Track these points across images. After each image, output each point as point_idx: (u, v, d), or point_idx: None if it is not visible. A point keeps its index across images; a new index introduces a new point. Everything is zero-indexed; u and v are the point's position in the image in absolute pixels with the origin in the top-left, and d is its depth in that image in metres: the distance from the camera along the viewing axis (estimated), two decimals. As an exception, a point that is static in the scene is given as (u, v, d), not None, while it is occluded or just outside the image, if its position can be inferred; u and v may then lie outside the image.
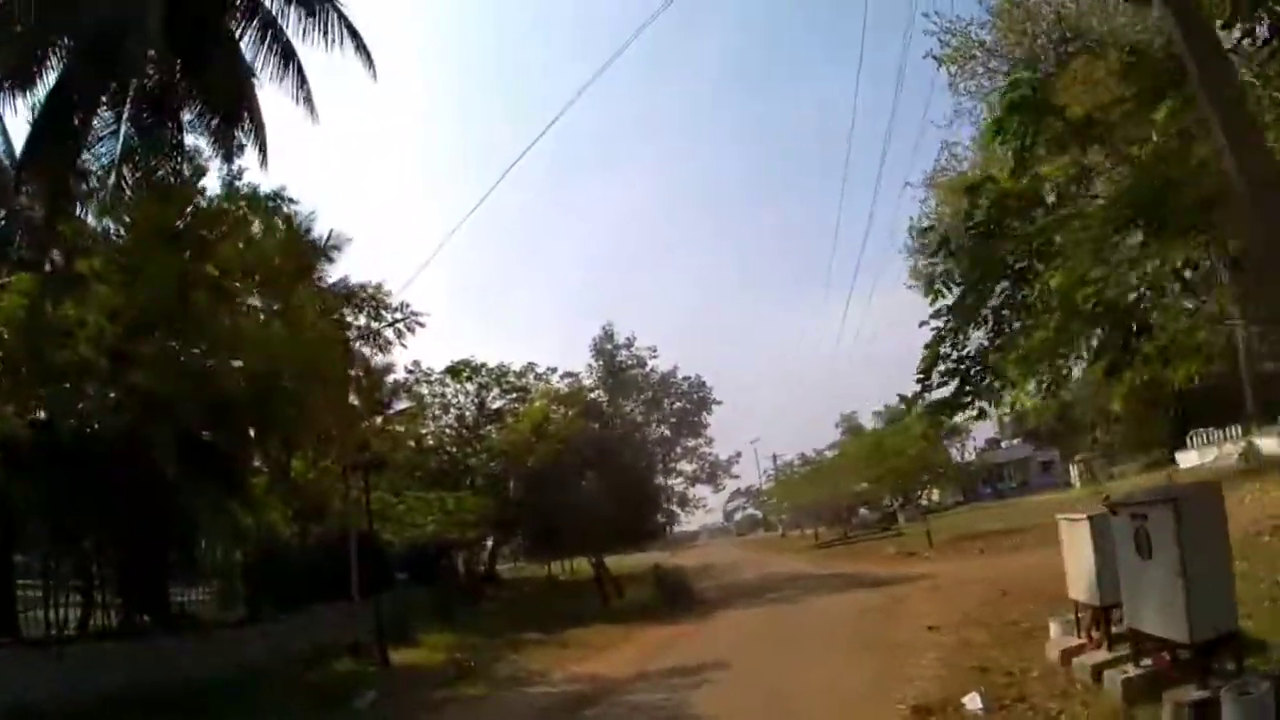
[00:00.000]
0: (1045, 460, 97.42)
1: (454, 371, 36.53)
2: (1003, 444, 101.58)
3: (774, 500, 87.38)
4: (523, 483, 30.51)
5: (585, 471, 29.50)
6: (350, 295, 24.65)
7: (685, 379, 32.03)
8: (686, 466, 32.18)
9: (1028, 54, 30.11)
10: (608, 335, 31.59)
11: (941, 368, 11.53)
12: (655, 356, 31.80)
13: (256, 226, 19.02)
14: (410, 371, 34.84)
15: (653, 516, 31.93)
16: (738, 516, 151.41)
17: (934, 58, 29.57)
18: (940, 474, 52.84)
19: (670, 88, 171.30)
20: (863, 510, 76.57)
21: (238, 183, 19.38)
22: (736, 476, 35.34)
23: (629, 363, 31.22)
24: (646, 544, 33.69)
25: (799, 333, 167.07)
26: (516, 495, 30.69)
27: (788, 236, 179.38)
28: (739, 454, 33.49)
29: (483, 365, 36.59)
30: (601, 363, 31.53)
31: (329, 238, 23.19)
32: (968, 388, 11.60)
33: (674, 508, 32.34)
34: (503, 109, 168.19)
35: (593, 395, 31.34)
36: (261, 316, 19.01)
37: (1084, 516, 11.19)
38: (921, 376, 11.53)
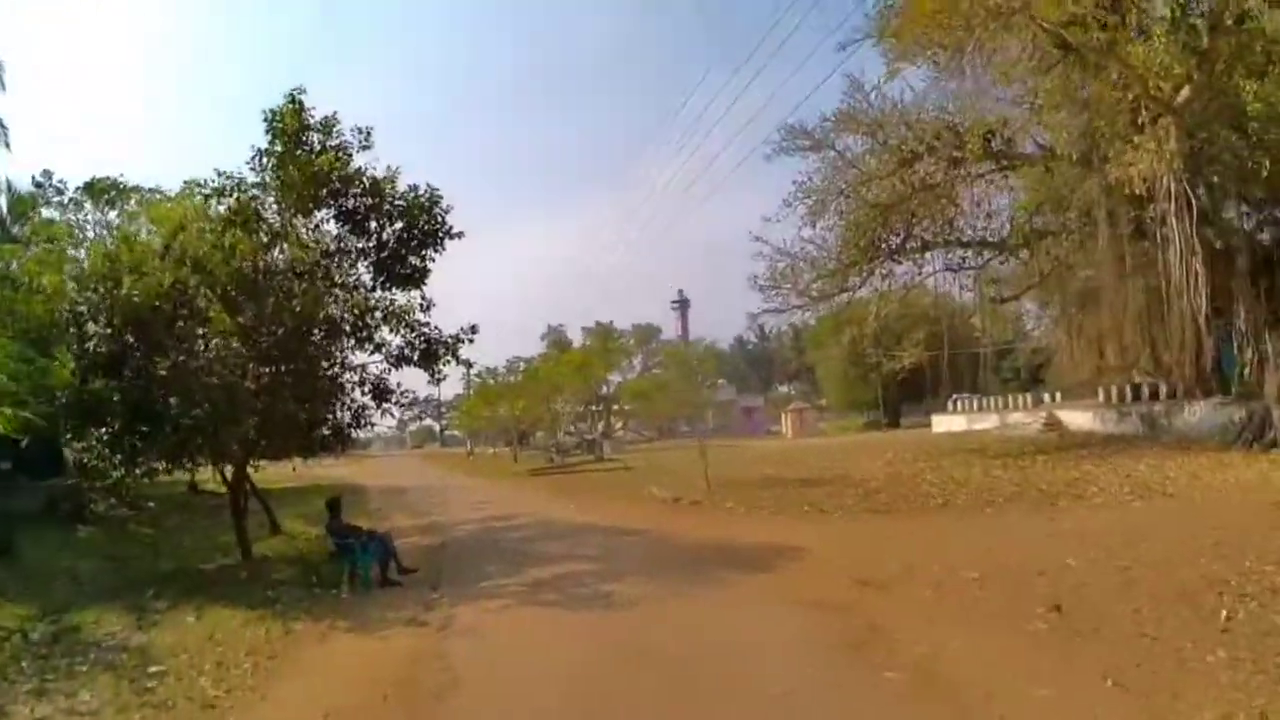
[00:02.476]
0: (749, 406, 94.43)
1: (94, 190, 26.82)
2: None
3: (466, 411, 76.46)
4: (118, 328, 16.77)
5: (229, 321, 16.71)
6: None
7: (411, 189, 18.71)
8: (391, 336, 19.04)
9: None
10: (295, 107, 17.80)
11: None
12: (368, 146, 18.51)
13: None
14: (39, 184, 27.11)
15: (334, 411, 19.12)
16: (413, 427, 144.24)
17: None
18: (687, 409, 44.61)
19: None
20: (564, 434, 69.11)
21: None
22: (467, 363, 21.79)
23: (321, 150, 17.86)
24: (315, 451, 20.82)
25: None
26: (102, 348, 16.92)
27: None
28: (474, 327, 20.09)
29: (134, 188, 26.29)
30: (280, 147, 17.84)
31: None
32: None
33: (367, 399, 19.46)
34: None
35: (253, 195, 18.01)
36: None
37: None
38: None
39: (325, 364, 18.80)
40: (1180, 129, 23.20)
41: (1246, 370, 26.48)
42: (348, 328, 18.59)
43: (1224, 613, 9.18)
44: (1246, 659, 7.78)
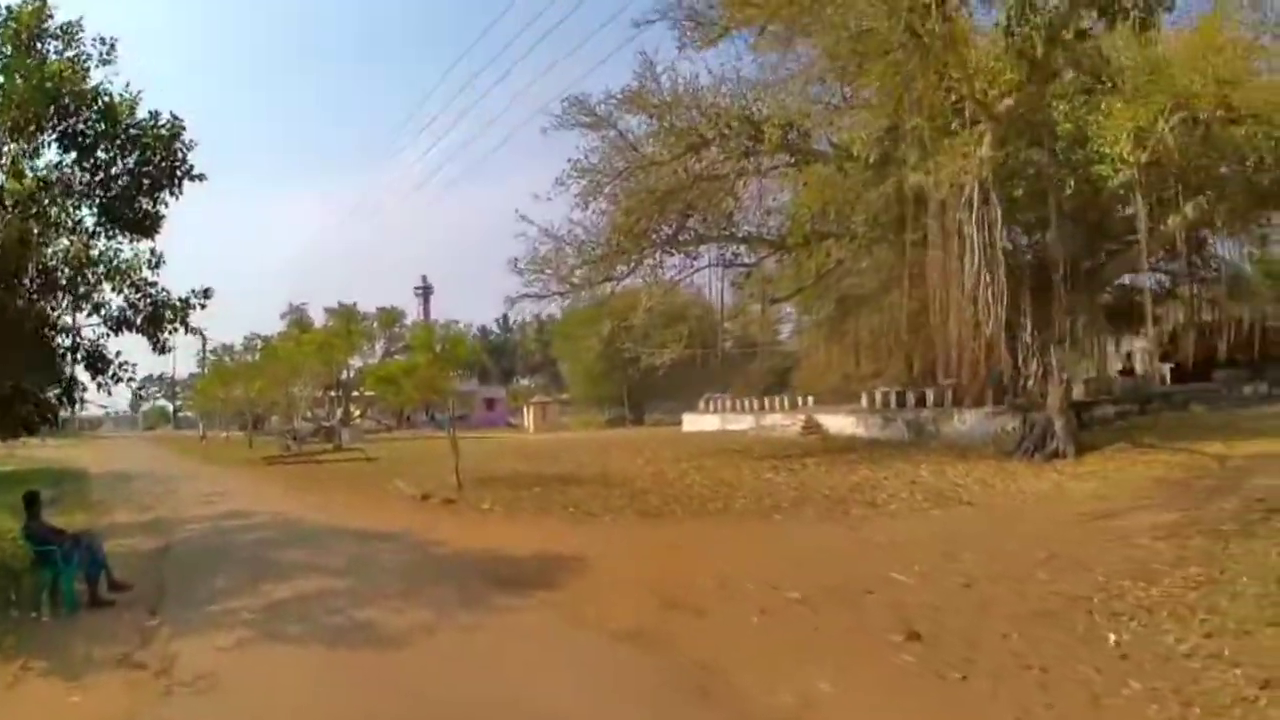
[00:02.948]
0: (490, 397, 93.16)
1: None
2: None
3: (201, 391, 71.60)
4: None
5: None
6: None
7: (151, 116, 15.64)
8: (113, 296, 15.83)
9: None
10: (38, 5, 14.47)
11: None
12: (109, 61, 15.30)
13: None
14: None
15: (44, 384, 15.85)
16: (146, 406, 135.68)
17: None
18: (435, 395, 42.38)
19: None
20: (302, 420, 67.00)
21: None
22: (199, 332, 18.19)
23: (57, 57, 14.62)
24: (17, 432, 17.34)
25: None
26: None
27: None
28: (206, 291, 16.73)
29: None
30: (10, 50, 14.52)
31: None
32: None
33: (79, 371, 16.21)
34: None
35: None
36: None
37: None
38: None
39: (33, 325, 15.54)
40: (996, 137, 22.93)
41: (1030, 382, 26.75)
42: (64, 280, 15.37)
43: (1111, 636, 8.41)
44: (1165, 690, 6.96)
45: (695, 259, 33.85)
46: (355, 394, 78.54)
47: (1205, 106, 22.62)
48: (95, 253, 15.39)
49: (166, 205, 16.08)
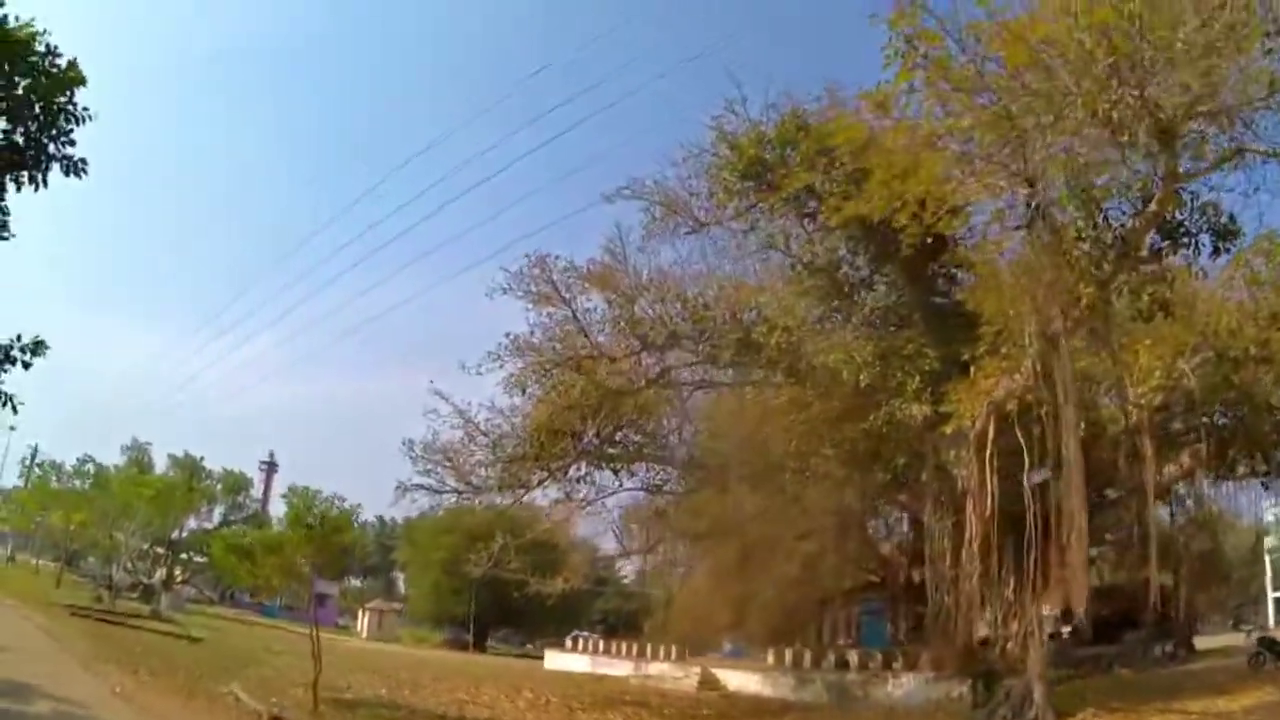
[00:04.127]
0: (322, 593, 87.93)
1: None
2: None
3: (18, 507, 67.69)
4: None
5: None
6: None
7: (47, 51, 10.98)
8: None
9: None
10: None
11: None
12: None
13: None
14: None
15: None
16: None
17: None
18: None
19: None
20: (122, 571, 58.89)
21: None
22: (9, 400, 13.11)
23: None
24: None
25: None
26: None
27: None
28: (37, 345, 12.21)
29: None
30: None
31: None
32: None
33: None
34: None
35: None
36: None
37: None
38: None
39: None
40: (1041, 364, 19.38)
41: (1009, 643, 23.72)
42: None
43: None
44: None
45: (630, 476, 30.12)
46: (184, 556, 71.64)
47: (1239, 345, 21.24)
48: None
49: (19, 188, 11.16)
